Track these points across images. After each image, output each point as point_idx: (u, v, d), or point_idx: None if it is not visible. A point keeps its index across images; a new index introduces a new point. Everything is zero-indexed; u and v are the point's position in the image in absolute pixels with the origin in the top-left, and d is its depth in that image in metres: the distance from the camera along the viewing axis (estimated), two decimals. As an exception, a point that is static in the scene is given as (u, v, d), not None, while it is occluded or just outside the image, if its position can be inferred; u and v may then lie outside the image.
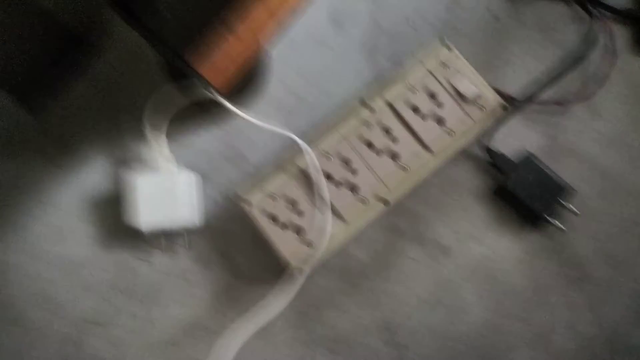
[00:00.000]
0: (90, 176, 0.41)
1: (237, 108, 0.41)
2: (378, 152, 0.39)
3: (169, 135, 0.42)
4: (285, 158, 0.42)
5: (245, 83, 0.39)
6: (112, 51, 0.43)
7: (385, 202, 0.38)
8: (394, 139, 0.39)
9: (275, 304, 0.37)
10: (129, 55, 0.43)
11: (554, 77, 0.41)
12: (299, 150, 0.38)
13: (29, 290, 0.40)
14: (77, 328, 0.39)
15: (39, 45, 0.38)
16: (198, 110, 0.42)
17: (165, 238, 0.40)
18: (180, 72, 0.39)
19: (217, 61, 0.27)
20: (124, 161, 0.42)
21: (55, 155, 0.42)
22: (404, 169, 0.38)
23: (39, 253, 0.40)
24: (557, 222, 0.41)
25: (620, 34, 0.45)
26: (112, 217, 0.41)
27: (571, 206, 0.41)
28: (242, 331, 0.37)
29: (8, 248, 0.40)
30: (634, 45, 0.46)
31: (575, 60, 0.41)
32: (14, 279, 0.40)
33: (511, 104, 0.41)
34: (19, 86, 0.39)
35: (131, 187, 0.38)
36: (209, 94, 0.31)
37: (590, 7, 0.45)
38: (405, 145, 0.39)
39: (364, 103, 0.39)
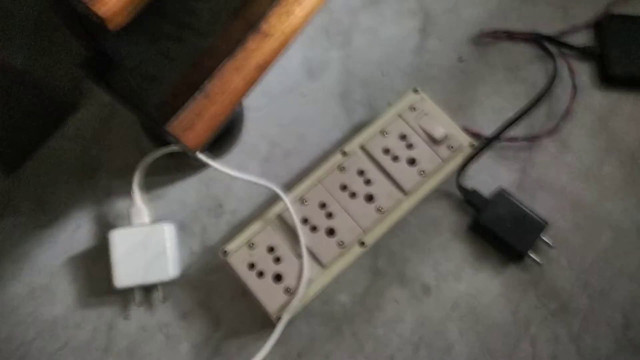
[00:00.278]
0: (66, 234, 0.41)
1: (213, 158, 0.42)
2: (353, 195, 0.39)
3: (145, 187, 0.42)
4: (262, 205, 0.43)
5: (221, 134, 0.40)
6: (87, 108, 0.44)
7: (362, 244, 0.38)
8: (368, 182, 0.40)
9: (256, 353, 0.36)
10: (105, 112, 0.44)
11: (520, 114, 0.43)
12: (276, 197, 0.39)
13: (3, 353, 0.39)
14: (57, 389, 0.38)
15: (14, 105, 0.39)
16: (174, 162, 0.43)
17: (143, 292, 0.40)
18: (157, 133, 0.40)
19: (193, 124, 0.28)
20: (100, 217, 0.42)
21: (32, 213, 0.42)
22: (379, 210, 0.39)
23: (13, 314, 0.40)
24: (532, 255, 0.41)
25: (582, 69, 0.48)
26: (88, 273, 0.41)
27: (545, 239, 0.41)
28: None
29: (-16, 310, 0.40)
30: (595, 80, 0.48)
31: (538, 96, 0.43)
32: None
33: (480, 141, 0.42)
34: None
35: (107, 243, 0.38)
36: (186, 152, 0.32)
37: (550, 47, 0.47)
38: (380, 187, 0.40)
39: (340, 149, 0.40)
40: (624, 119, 0.47)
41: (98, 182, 0.42)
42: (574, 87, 0.46)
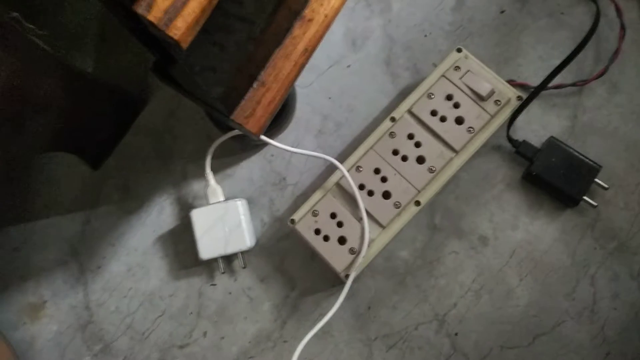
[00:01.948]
0: (152, 216, 0.47)
1: (272, 137, 0.46)
2: (405, 158, 0.42)
3: (216, 169, 0.46)
4: (321, 176, 0.46)
5: (277, 114, 0.44)
6: (155, 102, 0.49)
7: (417, 203, 0.41)
8: (418, 144, 0.42)
9: (330, 308, 0.40)
10: (172, 104, 0.48)
11: (564, 62, 0.43)
12: (333, 167, 0.42)
13: (113, 322, 0.45)
14: (159, 352, 0.44)
15: (91, 108, 0.44)
16: (238, 144, 0.47)
17: (225, 261, 0.45)
18: (221, 120, 0.44)
19: (254, 112, 0.32)
20: (180, 199, 0.47)
21: (121, 201, 0.47)
22: (431, 170, 0.41)
23: (117, 289, 0.46)
24: (587, 199, 0.42)
25: (630, 6, 0.47)
26: (175, 249, 0.46)
27: (599, 181, 0.42)
28: (304, 337, 0.41)
29: (91, 289, 0.46)
30: (644, 15, 0.46)
31: (583, 41, 0.43)
32: (99, 314, 0.45)
33: (527, 93, 0.43)
34: (80, 147, 0.45)
35: (190, 222, 0.43)
36: (250, 136, 0.35)
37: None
38: (430, 148, 0.42)
39: (389, 116, 0.43)
40: (678, 52, 0.46)
41: (174, 168, 0.47)
42: (622, 27, 0.45)
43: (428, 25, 0.49)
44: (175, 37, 0.20)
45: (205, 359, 0.44)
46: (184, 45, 0.20)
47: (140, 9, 0.19)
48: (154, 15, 0.19)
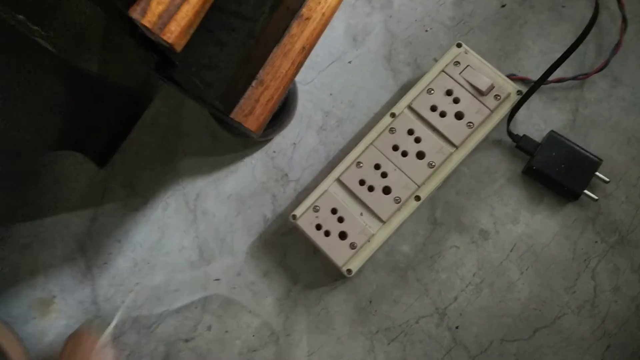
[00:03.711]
0: (157, 212, 0.47)
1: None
2: (405, 154, 0.42)
3: (219, 166, 0.47)
4: (323, 171, 0.47)
5: (279, 110, 0.44)
6: (159, 100, 0.49)
7: (418, 198, 0.41)
8: (418, 139, 0.42)
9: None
10: (176, 102, 0.49)
11: (564, 54, 0.43)
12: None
13: (120, 317, 0.46)
14: (165, 345, 0.45)
15: (96, 106, 0.45)
16: (241, 140, 0.47)
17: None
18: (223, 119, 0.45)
19: (253, 110, 0.32)
20: (185, 195, 0.48)
21: (126, 197, 0.48)
22: (431, 165, 0.42)
23: (124, 284, 0.47)
24: (588, 192, 0.42)
25: (631, -2, 0.46)
26: (182, 245, 0.47)
27: (600, 174, 0.42)
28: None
29: (98, 284, 0.47)
30: (647, 7, 0.46)
31: (583, 32, 0.42)
32: (106, 309, 0.46)
33: (528, 87, 0.43)
34: (86, 145, 0.45)
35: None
36: (250, 134, 0.36)
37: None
38: (430, 143, 0.42)
39: (389, 112, 0.43)
40: (680, 44, 0.45)
41: (178, 166, 0.48)
42: (624, 19, 0.45)
43: (429, 21, 0.49)
44: (169, 41, 0.20)
45: (210, 352, 0.45)
46: (178, 48, 0.21)
47: (134, 14, 0.20)
48: (148, 20, 0.20)
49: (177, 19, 0.20)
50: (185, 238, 0.47)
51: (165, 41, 0.20)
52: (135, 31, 0.26)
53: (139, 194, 0.48)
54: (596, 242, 0.43)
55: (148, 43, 0.26)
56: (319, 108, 0.48)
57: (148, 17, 0.20)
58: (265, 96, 0.33)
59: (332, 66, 0.49)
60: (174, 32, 0.20)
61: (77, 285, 0.47)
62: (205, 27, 0.28)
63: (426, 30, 0.48)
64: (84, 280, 0.47)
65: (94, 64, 0.46)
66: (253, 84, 0.33)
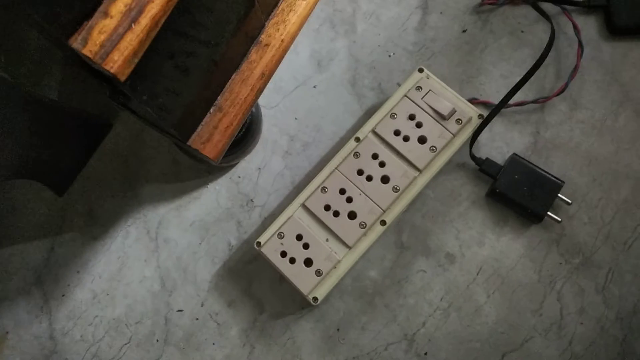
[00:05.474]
0: (117, 241, 0.46)
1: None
2: (370, 178, 0.42)
3: (181, 192, 0.46)
4: (288, 196, 0.46)
5: (243, 135, 0.44)
6: (120, 125, 0.48)
7: (383, 222, 0.41)
8: (382, 164, 0.42)
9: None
10: (137, 127, 0.48)
11: (523, 78, 0.44)
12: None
13: (78, 352, 0.44)
14: (129, 378, 0.43)
15: (55, 133, 0.44)
16: (204, 166, 0.46)
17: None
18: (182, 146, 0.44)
19: (211, 137, 0.32)
20: (146, 223, 0.46)
21: (86, 226, 0.46)
22: (395, 189, 0.41)
23: (82, 317, 0.45)
24: (551, 214, 0.43)
25: (588, 23, 0.48)
26: (143, 275, 0.45)
27: (562, 196, 0.43)
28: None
29: (55, 318, 0.45)
30: (602, 33, 0.48)
31: (540, 57, 0.43)
32: (64, 343, 0.44)
33: (488, 111, 0.44)
34: (44, 173, 0.44)
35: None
36: (209, 162, 0.35)
37: (547, 6, 0.47)
38: (394, 167, 0.42)
39: (353, 136, 0.43)
40: (635, 68, 0.47)
41: (139, 192, 0.47)
42: (580, 44, 0.46)
43: (392, 46, 0.49)
44: (112, 70, 0.20)
45: (173, 386, 0.43)
46: (122, 77, 0.20)
47: (75, 43, 0.19)
48: (89, 50, 0.19)
49: (119, 48, 0.20)
50: (147, 268, 0.45)
51: (107, 71, 0.20)
52: (90, 68, 0.26)
53: (98, 222, 0.46)
54: (561, 263, 0.43)
55: (96, 71, 0.25)
56: (285, 132, 0.48)
57: (89, 46, 0.19)
58: (224, 123, 0.32)
59: (297, 90, 0.48)
60: (117, 62, 0.20)
61: (32, 320, 0.45)
62: (162, 53, 0.28)
63: (389, 56, 0.49)
64: (40, 314, 0.45)
65: (54, 91, 0.45)
66: (211, 110, 0.32)
